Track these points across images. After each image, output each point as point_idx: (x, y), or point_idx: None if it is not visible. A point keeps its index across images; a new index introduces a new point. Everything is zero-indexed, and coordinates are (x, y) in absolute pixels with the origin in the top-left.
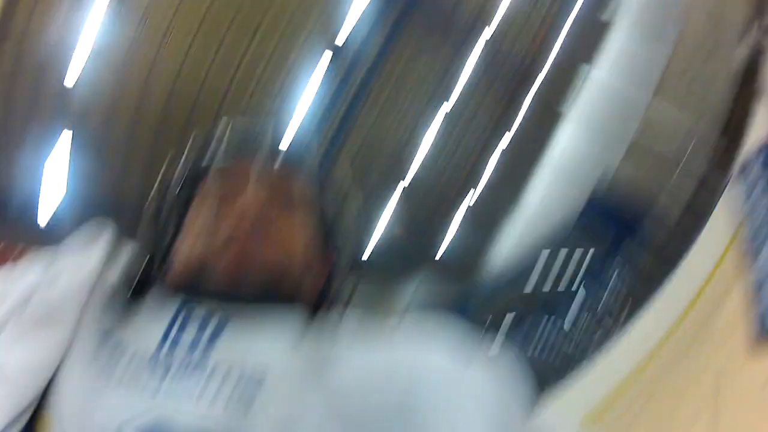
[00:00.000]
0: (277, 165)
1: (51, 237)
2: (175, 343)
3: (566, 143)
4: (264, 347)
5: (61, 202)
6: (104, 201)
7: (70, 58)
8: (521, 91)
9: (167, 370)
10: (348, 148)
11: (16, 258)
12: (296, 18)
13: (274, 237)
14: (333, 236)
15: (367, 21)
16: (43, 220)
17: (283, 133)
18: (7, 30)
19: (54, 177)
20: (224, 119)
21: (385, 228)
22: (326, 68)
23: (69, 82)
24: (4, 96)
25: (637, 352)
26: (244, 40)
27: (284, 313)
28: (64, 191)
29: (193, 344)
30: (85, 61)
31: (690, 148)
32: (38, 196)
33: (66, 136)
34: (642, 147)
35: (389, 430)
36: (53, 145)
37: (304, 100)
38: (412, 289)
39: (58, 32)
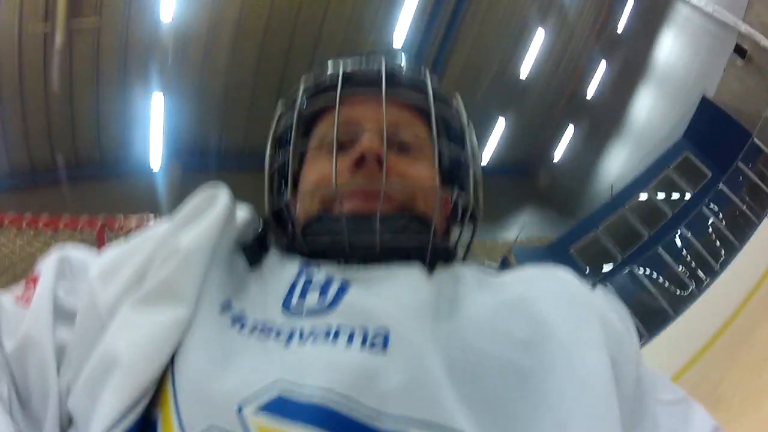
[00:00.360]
0: (385, 100)
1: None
2: (297, 310)
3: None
4: (387, 307)
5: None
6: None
7: None
8: None
9: (289, 339)
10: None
11: (121, 228)
12: None
13: (396, 177)
14: (452, 177)
15: None
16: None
17: (389, 64)
18: None
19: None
20: (328, 62)
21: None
22: None
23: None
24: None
25: (731, 298)
26: None
27: (406, 271)
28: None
29: (315, 311)
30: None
31: None
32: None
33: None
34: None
35: (519, 361)
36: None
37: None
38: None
39: None
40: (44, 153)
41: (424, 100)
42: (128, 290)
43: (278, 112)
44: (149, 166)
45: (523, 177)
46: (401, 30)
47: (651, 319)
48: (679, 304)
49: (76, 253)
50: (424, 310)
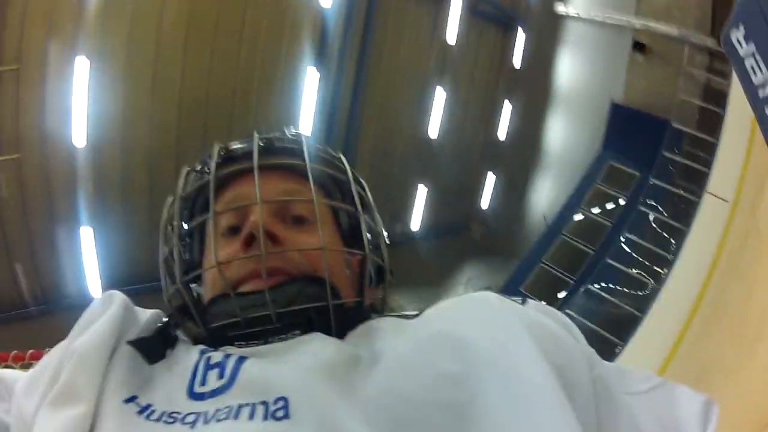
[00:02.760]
0: (261, 173)
1: None
2: (199, 396)
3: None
4: (284, 376)
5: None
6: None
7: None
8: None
9: (194, 423)
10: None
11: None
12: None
13: (289, 247)
14: (355, 240)
15: None
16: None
17: (283, 141)
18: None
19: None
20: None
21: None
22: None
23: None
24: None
25: (694, 280)
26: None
27: (307, 337)
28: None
29: (216, 392)
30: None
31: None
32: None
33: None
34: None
35: (452, 397)
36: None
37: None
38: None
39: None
40: None
41: (304, 166)
42: (44, 397)
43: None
44: (89, 298)
45: (458, 234)
46: (307, 118)
47: (621, 327)
48: (644, 304)
49: (8, 373)
50: (330, 370)
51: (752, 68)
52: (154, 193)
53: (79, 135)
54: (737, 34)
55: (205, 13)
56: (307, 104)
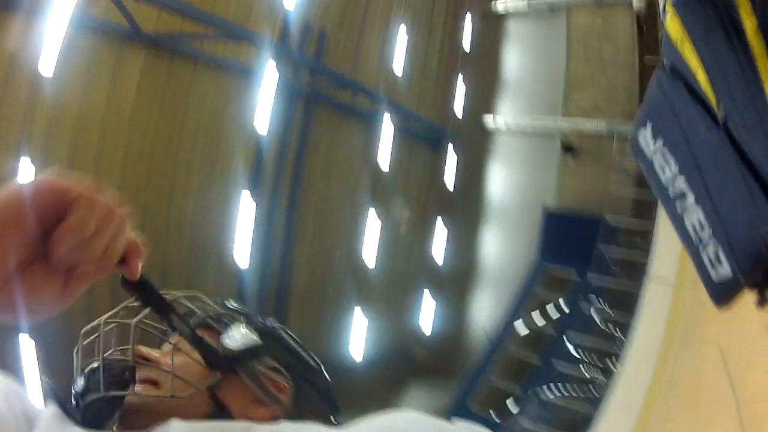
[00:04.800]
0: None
1: None
2: None
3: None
4: None
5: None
6: None
7: None
8: None
9: None
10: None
11: None
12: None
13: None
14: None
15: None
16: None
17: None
18: None
19: None
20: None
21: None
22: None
23: None
24: None
25: (646, 367)
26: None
27: None
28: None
29: None
30: None
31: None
32: None
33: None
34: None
35: None
36: None
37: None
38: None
39: None
40: None
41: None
42: None
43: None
44: None
45: (400, 359)
46: (242, 243)
47: (577, 428)
48: (597, 401)
49: None
50: None
51: (660, 166)
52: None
53: None
54: (644, 133)
55: (143, 135)
56: (242, 228)
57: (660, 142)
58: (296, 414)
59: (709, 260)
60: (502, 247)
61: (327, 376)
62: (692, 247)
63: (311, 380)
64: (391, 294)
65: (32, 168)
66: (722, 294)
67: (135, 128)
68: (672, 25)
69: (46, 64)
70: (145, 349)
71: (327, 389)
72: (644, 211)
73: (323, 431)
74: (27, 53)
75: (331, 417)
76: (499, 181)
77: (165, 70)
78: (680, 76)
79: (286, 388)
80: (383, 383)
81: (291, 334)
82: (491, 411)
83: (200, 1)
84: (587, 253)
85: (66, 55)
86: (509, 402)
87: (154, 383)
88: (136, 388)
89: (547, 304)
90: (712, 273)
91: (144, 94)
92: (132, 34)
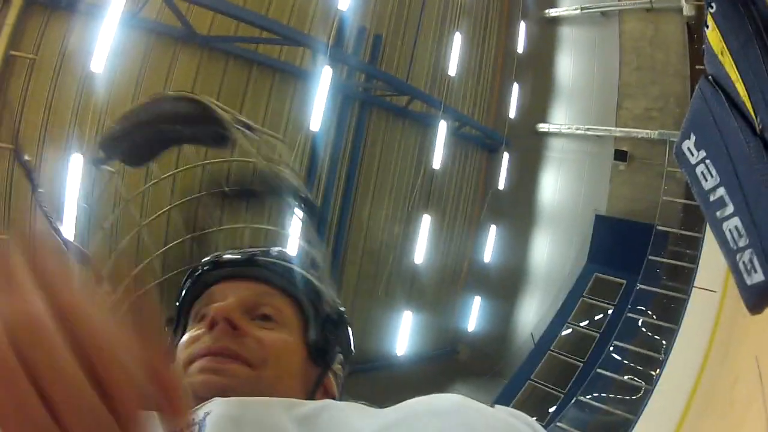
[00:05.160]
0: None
1: None
2: None
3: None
4: None
5: None
6: None
7: None
8: None
9: None
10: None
11: None
12: None
13: (249, 339)
14: (319, 354)
15: None
16: None
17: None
18: None
19: None
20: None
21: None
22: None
23: None
24: None
25: (687, 376)
26: None
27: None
28: None
29: None
30: None
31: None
32: None
33: None
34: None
35: None
36: None
37: None
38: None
39: None
40: None
41: (283, 280)
42: None
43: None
44: None
45: (445, 357)
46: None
47: None
48: (636, 407)
49: None
50: None
51: (702, 174)
52: None
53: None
54: (688, 144)
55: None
56: (294, 229)
57: (703, 153)
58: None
59: (745, 266)
60: (552, 251)
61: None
62: (729, 252)
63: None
64: (439, 293)
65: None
66: (756, 300)
67: None
68: (713, 36)
69: (98, 62)
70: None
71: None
72: (693, 220)
73: (368, 410)
74: (81, 51)
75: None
76: (551, 184)
77: (220, 72)
78: (722, 87)
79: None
80: (426, 381)
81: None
82: (530, 413)
83: (256, 4)
84: (636, 260)
85: (119, 53)
86: (550, 406)
87: (245, 361)
88: (209, 363)
89: (594, 309)
90: (747, 279)
91: (200, 94)
92: (186, 35)
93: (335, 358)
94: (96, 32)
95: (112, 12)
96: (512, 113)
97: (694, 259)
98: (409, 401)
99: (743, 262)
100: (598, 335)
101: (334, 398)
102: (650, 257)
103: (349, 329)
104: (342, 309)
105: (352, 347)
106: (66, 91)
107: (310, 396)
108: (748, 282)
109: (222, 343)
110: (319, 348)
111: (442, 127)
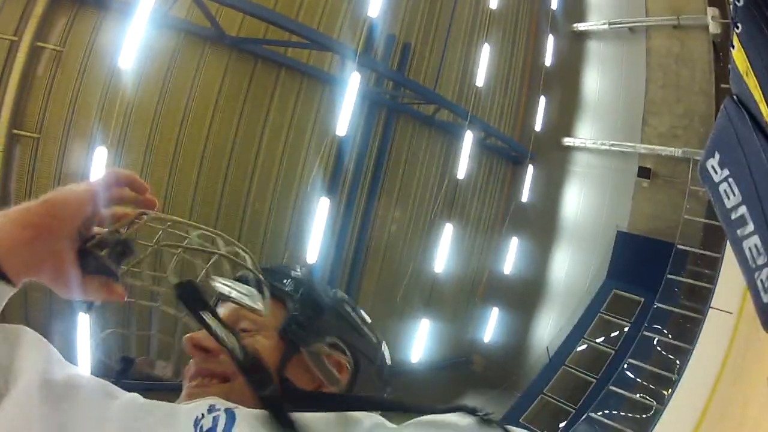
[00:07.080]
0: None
1: None
2: None
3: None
4: None
5: None
6: None
7: None
8: None
9: None
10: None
11: None
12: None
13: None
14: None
15: None
16: None
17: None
18: None
19: None
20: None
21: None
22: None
23: None
24: None
25: (699, 396)
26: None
27: None
28: None
29: None
30: None
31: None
32: None
33: None
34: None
35: None
36: None
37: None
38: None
39: None
40: None
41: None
42: None
43: None
44: None
45: (458, 367)
46: (315, 245)
47: None
48: (647, 425)
49: None
50: None
51: (725, 192)
52: None
53: None
54: (712, 162)
55: (223, 135)
56: (317, 231)
57: (726, 172)
58: (351, 389)
59: (762, 284)
60: (571, 265)
61: (387, 353)
62: (748, 270)
63: (370, 356)
64: (457, 303)
65: (107, 157)
66: None
67: (214, 128)
68: (739, 56)
69: (126, 58)
70: (200, 336)
71: (383, 365)
72: (713, 240)
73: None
74: (109, 46)
75: (384, 393)
76: (574, 198)
77: (248, 73)
78: (746, 107)
79: (345, 367)
80: (440, 390)
81: (355, 308)
82: (541, 428)
83: (286, 8)
84: (656, 278)
85: (147, 51)
86: (561, 421)
87: (224, 378)
88: (195, 383)
89: (611, 326)
90: (764, 297)
91: (226, 94)
92: (215, 36)
93: (310, 338)
94: (125, 28)
95: (142, 9)
96: (538, 126)
97: (712, 279)
98: (422, 418)
99: (761, 280)
100: (613, 352)
101: (320, 380)
102: (669, 276)
103: (352, 315)
104: (338, 297)
105: (361, 333)
106: (92, 85)
107: (279, 371)
108: (765, 300)
109: (200, 365)
110: (289, 330)
111: (468, 138)
